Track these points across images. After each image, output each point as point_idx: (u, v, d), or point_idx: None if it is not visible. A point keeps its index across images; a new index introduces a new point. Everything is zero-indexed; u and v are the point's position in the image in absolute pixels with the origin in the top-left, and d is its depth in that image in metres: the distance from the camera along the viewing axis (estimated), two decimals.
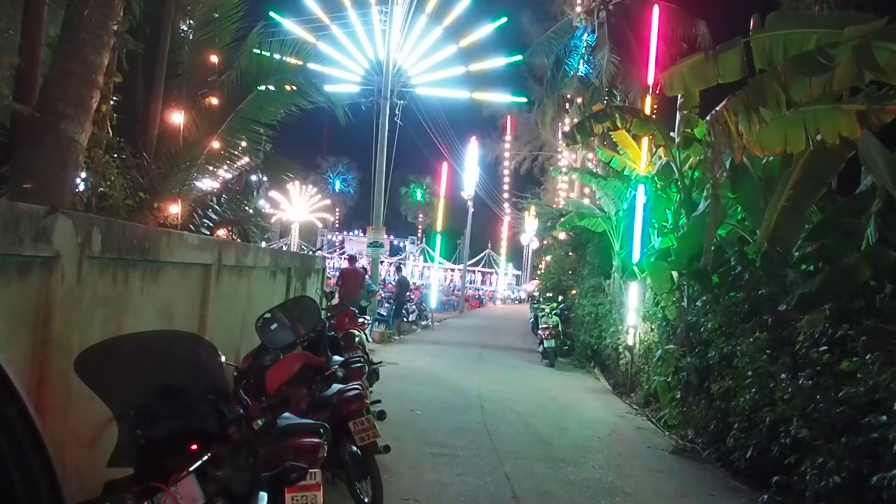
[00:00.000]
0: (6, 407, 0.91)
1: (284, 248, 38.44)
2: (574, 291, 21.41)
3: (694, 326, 9.65)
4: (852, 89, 7.67)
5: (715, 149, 8.09)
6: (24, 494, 0.91)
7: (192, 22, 9.84)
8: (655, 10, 15.33)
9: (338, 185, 76.31)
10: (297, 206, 59.33)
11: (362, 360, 7.29)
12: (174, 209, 8.10)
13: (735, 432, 7.67)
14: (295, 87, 10.26)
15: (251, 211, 10.96)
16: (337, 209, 75.55)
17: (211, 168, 9.74)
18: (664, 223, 12.60)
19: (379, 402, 6.49)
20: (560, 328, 18.39)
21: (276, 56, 10.17)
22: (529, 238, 55.34)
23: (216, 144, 9.39)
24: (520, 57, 27.71)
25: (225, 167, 10.14)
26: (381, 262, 32.63)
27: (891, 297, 6.64)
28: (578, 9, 24.68)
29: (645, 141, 13.02)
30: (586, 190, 25.93)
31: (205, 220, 8.88)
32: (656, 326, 11.79)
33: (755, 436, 7.25)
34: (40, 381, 3.22)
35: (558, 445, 8.72)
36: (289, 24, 24.52)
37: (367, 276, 18.56)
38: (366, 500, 5.25)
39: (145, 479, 2.50)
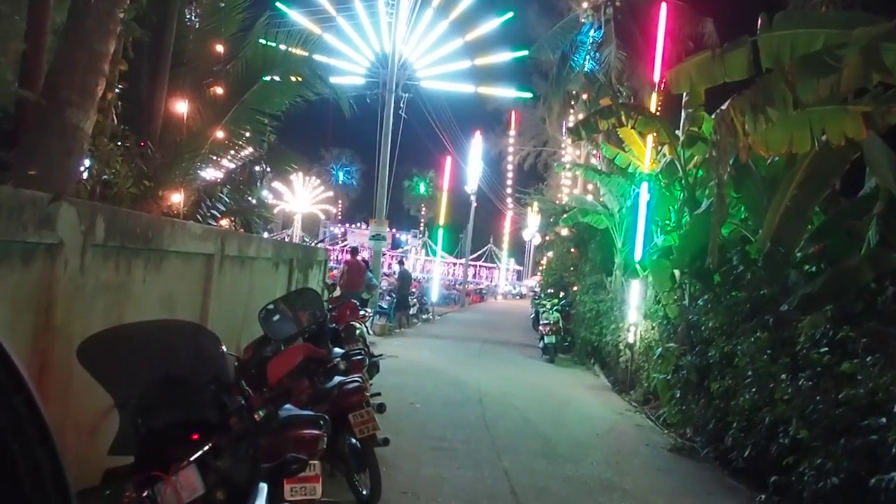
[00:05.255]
0: (13, 396, 0.91)
1: (287, 239, 38.46)
2: (575, 288, 21.40)
3: (695, 325, 9.64)
4: (858, 90, 7.65)
5: (720, 148, 8.07)
6: (30, 483, 0.91)
7: (198, 11, 9.82)
8: (663, 7, 15.26)
9: (341, 177, 76.23)
10: (300, 197, 59.33)
11: (363, 352, 7.31)
12: (177, 198, 8.10)
13: (734, 432, 7.67)
14: (300, 79, 10.23)
15: (254, 201, 10.94)
16: (339, 201, 75.45)
17: (215, 158, 9.72)
18: (667, 221, 12.58)
19: (379, 394, 6.51)
20: (561, 324, 18.38)
21: (282, 47, 10.13)
22: (532, 234, 55.26)
23: (220, 134, 9.37)
24: (525, 52, 27.64)
25: (229, 157, 10.13)
26: (384, 254, 32.66)
27: (892, 300, 6.64)
28: (585, 4, 24.59)
29: (650, 138, 12.98)
30: (589, 186, 25.91)
31: (212, 211, 8.86)
32: (657, 324, 11.78)
33: (754, 435, 7.25)
34: (42, 368, 3.23)
35: (557, 441, 8.73)
36: (295, 15, 24.46)
37: (368, 269, 18.58)
38: (364, 492, 5.27)
39: (146, 467, 2.51)
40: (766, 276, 8.42)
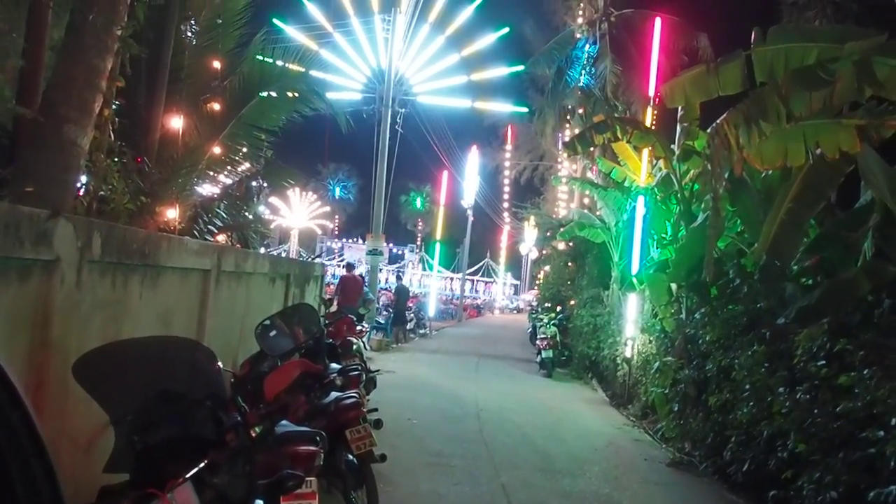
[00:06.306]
0: (9, 412, 0.91)
1: (283, 255, 38.42)
2: (573, 302, 21.40)
3: (692, 339, 9.64)
4: (852, 104, 7.70)
5: (715, 161, 8.10)
6: (26, 500, 0.91)
7: (195, 27, 9.85)
8: (657, 22, 15.40)
9: (338, 192, 76.30)
10: (296, 212, 59.34)
11: (360, 368, 7.28)
12: (172, 213, 8.09)
13: (732, 445, 7.66)
14: (297, 94, 10.26)
15: (251, 217, 10.94)
16: (336, 216, 75.48)
17: (212, 173, 9.73)
18: (663, 235, 12.61)
19: (376, 410, 6.48)
20: (558, 339, 18.37)
21: (279, 63, 10.17)
22: (528, 248, 55.28)
23: (217, 150, 9.37)
24: (521, 67, 27.82)
25: (226, 172, 10.13)
26: (381, 269, 32.65)
27: (889, 312, 6.64)
28: (580, 20, 24.79)
29: (645, 152, 13.04)
30: (585, 201, 25.97)
31: (209, 226, 8.86)
32: (654, 338, 11.77)
33: (752, 449, 7.24)
34: (38, 384, 3.21)
35: (555, 456, 8.70)
36: (292, 32, 24.61)
37: (365, 284, 18.57)
38: None
39: (141, 485, 2.49)
40: (762, 288, 8.43)
